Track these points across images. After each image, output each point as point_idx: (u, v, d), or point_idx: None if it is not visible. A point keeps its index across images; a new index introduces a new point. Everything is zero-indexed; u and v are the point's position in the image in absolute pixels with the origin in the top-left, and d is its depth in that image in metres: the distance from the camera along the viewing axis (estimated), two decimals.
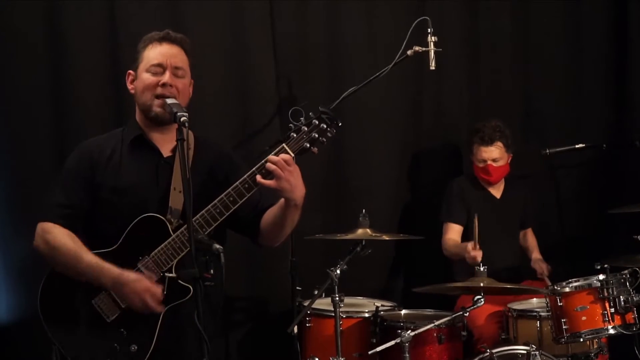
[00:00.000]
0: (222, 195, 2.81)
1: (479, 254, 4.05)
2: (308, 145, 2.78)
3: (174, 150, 2.96)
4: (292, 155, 2.78)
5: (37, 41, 4.16)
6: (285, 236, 3.06)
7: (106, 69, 4.26)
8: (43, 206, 3.03)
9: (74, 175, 2.99)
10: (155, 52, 2.95)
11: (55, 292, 2.93)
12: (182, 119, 2.67)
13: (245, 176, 2.80)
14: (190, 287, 2.79)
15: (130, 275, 2.83)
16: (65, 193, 2.97)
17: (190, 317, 2.66)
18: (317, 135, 2.78)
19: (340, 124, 2.82)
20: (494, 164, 4.48)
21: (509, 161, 4.56)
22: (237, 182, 2.80)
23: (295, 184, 2.80)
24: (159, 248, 2.84)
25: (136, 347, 2.84)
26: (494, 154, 4.47)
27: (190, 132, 3.01)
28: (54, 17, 4.18)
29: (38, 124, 4.17)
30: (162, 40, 2.97)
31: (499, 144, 4.47)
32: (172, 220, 2.87)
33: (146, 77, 2.93)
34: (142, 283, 2.81)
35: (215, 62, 4.44)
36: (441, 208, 4.62)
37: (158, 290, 2.82)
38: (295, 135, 2.79)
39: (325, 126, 2.78)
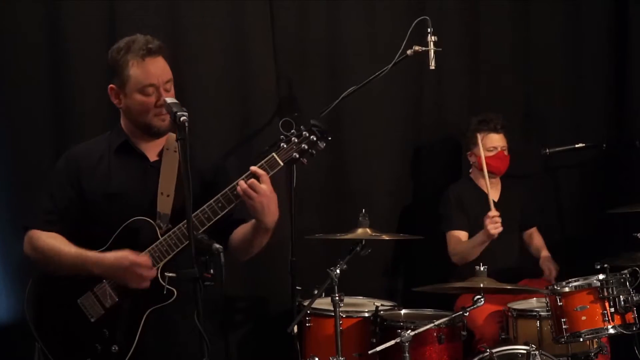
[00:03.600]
0: (211, 201, 2.83)
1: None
2: (297, 155, 2.85)
3: (160, 155, 2.99)
4: (282, 164, 2.84)
5: (37, 41, 4.16)
6: (251, 255, 3.07)
7: (106, 69, 4.24)
8: (30, 212, 3.07)
9: (60, 180, 3.00)
10: (143, 72, 2.88)
11: (42, 292, 2.96)
12: (182, 119, 2.67)
13: (234, 183, 2.82)
14: (174, 290, 2.84)
15: (112, 253, 2.84)
16: (51, 199, 2.99)
17: (180, 318, 2.67)
18: (306, 147, 2.85)
19: (330, 138, 2.90)
20: (504, 152, 4.53)
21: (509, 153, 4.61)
22: (227, 189, 2.83)
23: (267, 207, 2.83)
24: (146, 251, 2.85)
25: (117, 348, 2.86)
26: (502, 141, 4.53)
27: (173, 134, 3.01)
28: (54, 17, 4.17)
29: (38, 125, 4.17)
30: (145, 56, 2.89)
31: (504, 133, 4.55)
32: (162, 225, 2.89)
33: (141, 100, 2.90)
34: (126, 257, 2.81)
35: (215, 62, 4.43)
36: (440, 218, 4.59)
37: (144, 259, 2.82)
38: (285, 145, 2.85)
39: (315, 138, 2.85)
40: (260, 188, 2.80)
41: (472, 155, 4.63)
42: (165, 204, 2.90)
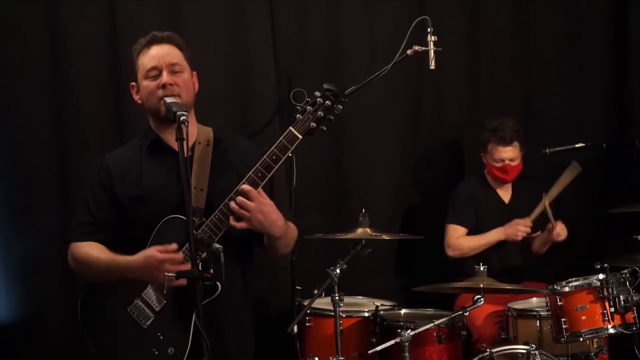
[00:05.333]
0: (222, 204, 2.79)
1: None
2: (315, 124, 2.77)
3: (191, 150, 2.93)
4: (301, 137, 2.77)
5: (37, 42, 4.16)
6: (284, 252, 3.04)
7: (106, 69, 4.26)
8: (68, 226, 3.06)
9: (94, 191, 2.99)
10: (148, 57, 2.93)
11: (93, 306, 2.93)
12: (181, 118, 2.67)
13: (229, 196, 2.78)
14: (219, 284, 2.74)
15: (139, 255, 2.80)
16: (87, 210, 2.98)
17: (226, 311, 2.63)
18: (322, 114, 2.76)
19: (346, 99, 2.81)
20: (512, 163, 4.50)
21: (521, 164, 4.58)
22: (223, 203, 2.78)
23: (265, 221, 2.78)
24: (183, 248, 2.81)
25: (173, 350, 2.82)
26: (512, 153, 4.49)
27: (209, 128, 3.04)
28: (53, 17, 4.18)
29: (38, 125, 4.18)
30: (149, 44, 2.94)
31: (517, 144, 4.50)
32: (195, 220, 2.80)
33: (147, 84, 2.92)
34: (154, 257, 2.77)
35: (215, 62, 4.43)
36: (447, 210, 4.58)
37: (173, 255, 2.76)
38: (300, 116, 2.78)
39: (330, 103, 2.76)
40: (250, 206, 2.75)
41: (484, 157, 4.60)
42: (199, 198, 2.85)
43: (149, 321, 2.86)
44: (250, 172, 2.78)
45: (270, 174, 2.79)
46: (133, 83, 3.01)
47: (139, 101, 3.00)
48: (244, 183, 2.77)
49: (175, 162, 2.90)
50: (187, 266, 2.72)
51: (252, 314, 3.11)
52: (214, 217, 2.78)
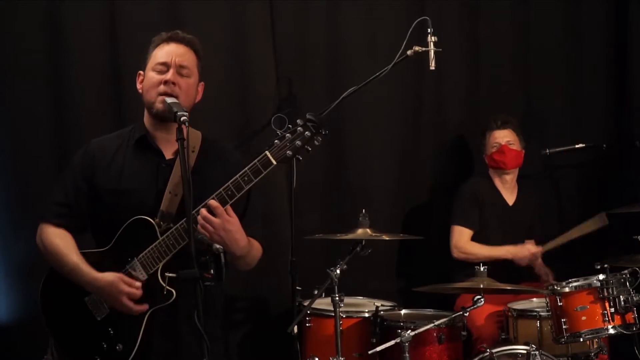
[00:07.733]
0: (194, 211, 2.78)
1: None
2: (291, 153, 2.72)
3: (176, 153, 2.93)
4: (275, 162, 2.74)
5: (37, 42, 4.16)
6: (244, 269, 3.03)
7: (106, 69, 4.26)
8: (43, 204, 3.08)
9: (74, 175, 3.02)
10: (162, 52, 2.97)
11: (54, 287, 2.99)
12: (182, 119, 2.67)
13: (200, 205, 2.77)
14: (174, 291, 2.81)
15: (105, 278, 2.85)
16: (64, 192, 3.01)
17: (184, 318, 2.65)
18: (300, 144, 2.71)
19: (326, 132, 2.74)
20: (510, 146, 4.54)
21: (522, 154, 4.61)
22: (201, 206, 2.78)
23: (228, 239, 2.77)
24: (146, 251, 2.84)
25: (121, 347, 2.87)
26: (508, 136, 4.56)
27: (198, 132, 3.04)
28: (54, 17, 4.18)
29: (38, 124, 4.18)
30: (169, 40, 2.99)
31: (511, 130, 4.59)
32: (162, 223, 2.86)
33: (151, 76, 2.95)
34: (116, 286, 2.83)
35: (215, 62, 4.42)
36: (452, 210, 4.59)
37: (134, 291, 2.83)
38: (278, 142, 2.74)
39: (309, 134, 2.71)
40: (214, 222, 2.75)
41: (485, 156, 4.66)
42: (171, 203, 2.88)
43: (103, 315, 2.90)
44: (221, 189, 2.78)
45: (240, 194, 2.77)
46: (141, 72, 3.03)
47: (140, 90, 3.02)
48: (212, 198, 2.77)
49: (158, 163, 2.95)
50: (142, 307, 2.81)
51: (218, 322, 3.09)
52: (179, 226, 2.80)
